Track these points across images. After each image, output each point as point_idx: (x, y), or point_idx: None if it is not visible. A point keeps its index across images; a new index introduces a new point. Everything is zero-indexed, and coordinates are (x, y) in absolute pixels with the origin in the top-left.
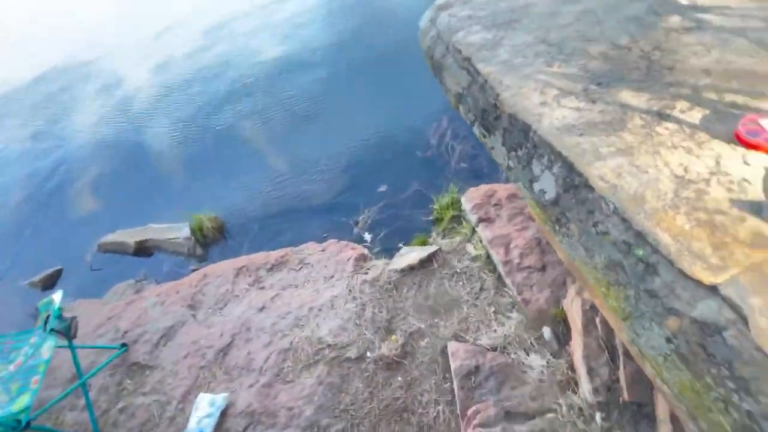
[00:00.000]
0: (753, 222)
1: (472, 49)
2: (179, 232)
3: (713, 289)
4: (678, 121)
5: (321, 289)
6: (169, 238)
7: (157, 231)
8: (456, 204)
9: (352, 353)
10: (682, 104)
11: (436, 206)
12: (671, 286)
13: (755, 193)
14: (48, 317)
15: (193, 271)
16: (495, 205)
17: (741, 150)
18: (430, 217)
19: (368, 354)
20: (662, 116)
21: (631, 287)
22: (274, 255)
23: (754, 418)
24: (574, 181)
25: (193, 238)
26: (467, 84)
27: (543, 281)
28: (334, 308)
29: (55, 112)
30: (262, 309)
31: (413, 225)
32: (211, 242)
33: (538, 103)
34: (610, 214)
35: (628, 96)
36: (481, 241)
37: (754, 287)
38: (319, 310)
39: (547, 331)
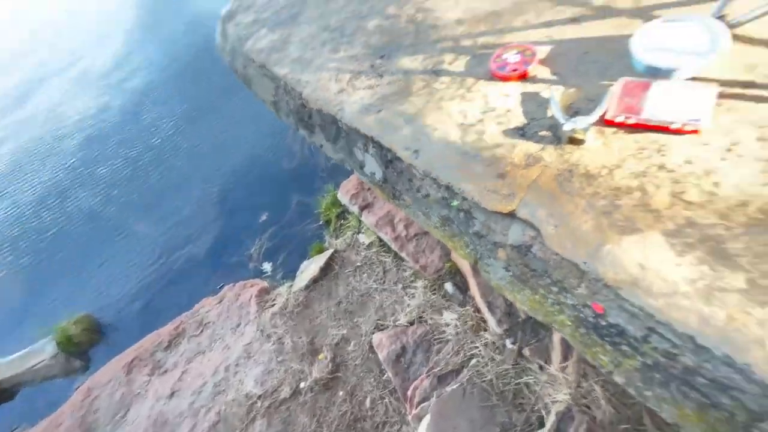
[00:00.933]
0: (522, 145)
1: (263, 55)
2: (42, 353)
3: (512, 216)
4: (449, 74)
5: (231, 343)
6: (31, 366)
7: (12, 365)
8: (338, 201)
9: (285, 393)
10: (448, 57)
11: (321, 210)
12: (487, 224)
13: (518, 118)
14: None
15: (77, 389)
16: (369, 188)
17: (499, 84)
18: (320, 222)
19: (302, 385)
20: (437, 72)
21: (465, 235)
22: (167, 330)
23: (577, 308)
24: (388, 157)
25: (61, 352)
26: (274, 90)
27: (431, 242)
28: (251, 357)
29: None
30: (172, 395)
31: (307, 237)
32: (87, 347)
33: (337, 91)
34: (423, 177)
35: (407, 62)
36: (369, 228)
37: (538, 201)
38: (236, 365)
39: (449, 286)
